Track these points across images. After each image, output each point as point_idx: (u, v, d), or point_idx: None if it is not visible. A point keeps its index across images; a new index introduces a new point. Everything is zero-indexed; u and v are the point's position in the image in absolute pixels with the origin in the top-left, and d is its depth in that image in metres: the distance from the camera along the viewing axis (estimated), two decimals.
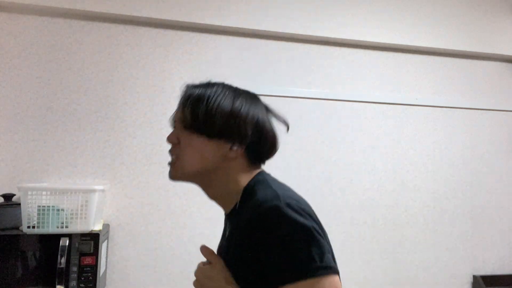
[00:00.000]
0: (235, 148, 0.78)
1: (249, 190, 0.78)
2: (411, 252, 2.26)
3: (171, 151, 0.82)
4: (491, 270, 2.36)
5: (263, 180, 0.80)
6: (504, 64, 2.55)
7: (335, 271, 0.69)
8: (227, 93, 0.79)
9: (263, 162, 0.86)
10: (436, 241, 2.30)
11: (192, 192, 2.02)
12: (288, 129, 0.86)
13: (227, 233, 0.85)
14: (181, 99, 0.84)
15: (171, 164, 0.82)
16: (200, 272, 0.79)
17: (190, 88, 0.82)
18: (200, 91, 0.79)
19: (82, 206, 1.61)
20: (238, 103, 0.78)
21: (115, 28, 2.03)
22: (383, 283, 2.21)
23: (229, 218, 0.85)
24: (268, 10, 2.15)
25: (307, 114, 2.21)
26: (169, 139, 0.81)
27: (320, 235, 0.71)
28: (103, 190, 1.76)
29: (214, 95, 0.77)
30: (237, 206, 0.79)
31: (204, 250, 0.81)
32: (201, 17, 2.06)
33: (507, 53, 2.46)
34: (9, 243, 1.53)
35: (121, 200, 1.96)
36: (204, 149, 0.77)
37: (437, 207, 2.33)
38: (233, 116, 0.76)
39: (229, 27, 2.11)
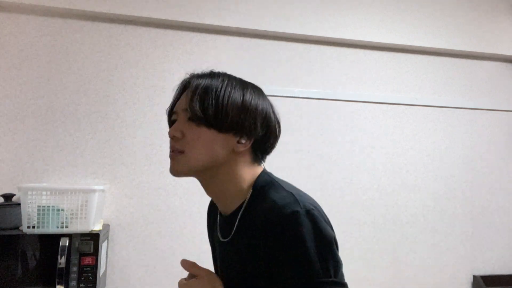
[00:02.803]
0: (243, 141, 0.75)
1: (260, 191, 0.75)
2: (411, 252, 2.26)
3: (173, 146, 0.76)
4: (491, 270, 2.36)
5: (272, 181, 0.77)
6: (504, 64, 2.55)
7: None
8: (234, 84, 0.75)
9: (265, 157, 0.84)
10: (436, 241, 2.30)
11: (192, 192, 2.02)
12: (280, 127, 0.82)
13: (229, 235, 0.79)
14: (183, 89, 0.79)
15: (174, 158, 0.75)
16: (186, 287, 0.75)
17: (195, 78, 0.76)
18: (207, 82, 0.74)
19: (82, 206, 1.61)
20: (248, 96, 0.75)
21: (115, 28, 2.03)
22: (383, 283, 2.21)
23: (229, 218, 0.79)
24: (268, 10, 2.15)
25: (307, 114, 2.21)
26: (173, 133, 0.75)
27: (337, 247, 0.70)
28: (103, 190, 1.76)
29: (223, 87, 0.73)
30: (243, 207, 0.76)
31: (186, 263, 0.77)
32: (201, 17, 2.06)
33: (507, 53, 2.46)
34: (9, 243, 1.53)
35: (121, 200, 1.96)
36: (213, 143, 0.73)
37: (437, 207, 2.33)
38: (244, 109, 0.74)
39: (229, 27, 2.11)
